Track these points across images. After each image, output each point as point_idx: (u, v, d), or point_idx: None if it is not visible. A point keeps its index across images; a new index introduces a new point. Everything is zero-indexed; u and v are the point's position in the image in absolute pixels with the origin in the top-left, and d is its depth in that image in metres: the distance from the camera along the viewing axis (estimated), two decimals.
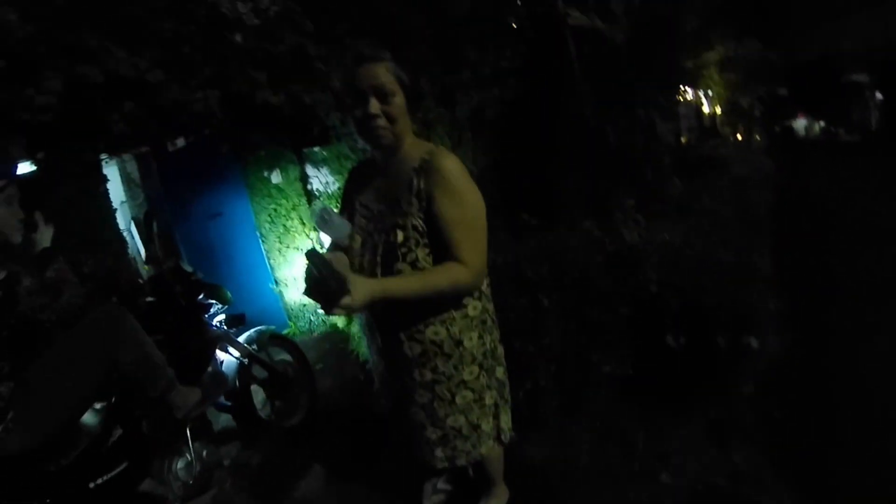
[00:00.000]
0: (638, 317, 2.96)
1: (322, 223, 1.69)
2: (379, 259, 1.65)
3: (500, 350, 1.93)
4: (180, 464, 2.45)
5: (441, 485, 2.44)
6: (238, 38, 3.07)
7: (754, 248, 3.06)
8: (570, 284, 3.05)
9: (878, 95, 12.78)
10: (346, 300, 1.42)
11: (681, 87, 3.66)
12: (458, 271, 1.59)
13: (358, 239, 1.72)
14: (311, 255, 1.43)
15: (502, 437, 1.98)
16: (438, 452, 1.89)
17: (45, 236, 2.00)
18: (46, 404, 1.83)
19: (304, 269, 1.45)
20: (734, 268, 2.97)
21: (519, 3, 3.39)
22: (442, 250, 1.61)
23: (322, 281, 1.41)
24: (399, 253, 1.62)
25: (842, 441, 2.34)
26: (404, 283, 1.59)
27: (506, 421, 1.98)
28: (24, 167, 2.63)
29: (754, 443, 2.34)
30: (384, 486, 2.61)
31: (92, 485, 1.89)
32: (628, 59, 3.36)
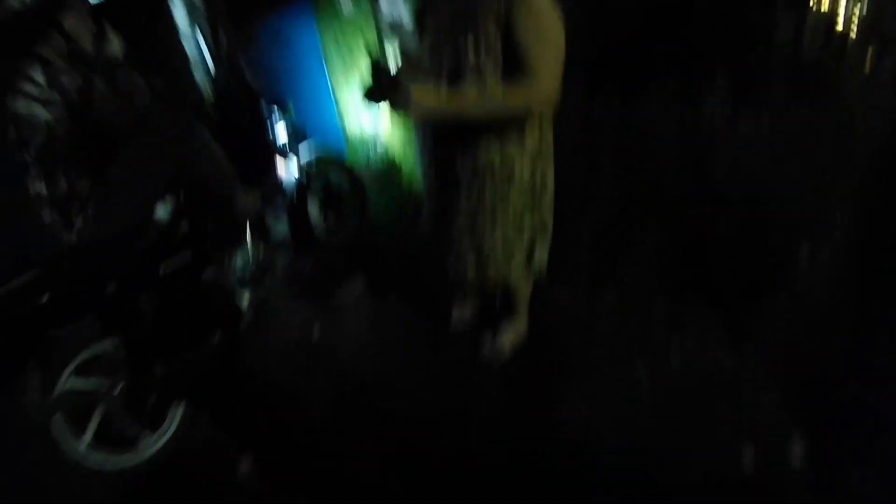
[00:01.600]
0: (692, 202, 2.89)
1: (395, 30, 1.72)
2: (445, 76, 1.65)
3: (551, 186, 1.93)
4: (239, 259, 2.69)
5: (468, 308, 2.61)
6: None
7: (833, 186, 2.79)
8: (636, 149, 2.99)
9: None
10: (406, 92, 1.49)
11: None
12: (530, 89, 1.57)
13: (427, 53, 1.70)
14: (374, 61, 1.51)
15: (534, 271, 2.07)
16: (471, 272, 1.99)
17: (115, 47, 2.11)
18: (121, 201, 2.04)
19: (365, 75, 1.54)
20: (805, 183, 2.80)
21: None
22: (514, 72, 1.58)
23: (384, 74, 1.49)
24: (469, 70, 1.61)
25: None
26: (471, 94, 1.59)
27: (541, 257, 2.05)
28: None
29: (769, 352, 2.29)
30: (417, 302, 2.85)
31: (161, 271, 2.16)
32: None
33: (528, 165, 1.80)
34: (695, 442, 1.98)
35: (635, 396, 2.19)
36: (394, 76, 1.54)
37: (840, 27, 2.97)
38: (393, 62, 3.61)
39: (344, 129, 4.17)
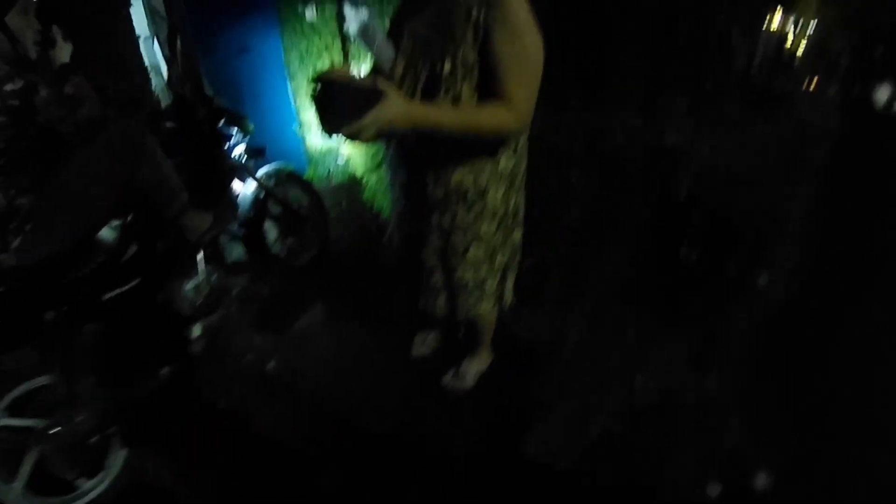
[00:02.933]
0: (658, 220, 2.91)
1: (365, 38, 1.57)
2: (419, 87, 1.58)
3: (522, 213, 1.90)
4: (190, 284, 2.56)
5: (431, 337, 2.56)
6: None
7: (794, 194, 2.91)
8: (600, 169, 3.00)
9: None
10: (377, 111, 1.34)
11: (771, 9, 3.33)
12: (503, 112, 1.50)
13: (400, 65, 1.62)
14: (329, 73, 1.35)
15: (503, 300, 2.02)
16: (440, 301, 1.94)
17: (63, 52, 1.94)
18: (65, 217, 1.88)
19: (315, 90, 1.36)
20: (767, 202, 2.86)
21: None
22: (489, 89, 1.51)
23: (348, 91, 1.32)
24: (444, 84, 1.53)
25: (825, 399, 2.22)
26: (444, 112, 1.51)
27: (510, 286, 2.02)
28: None
29: (734, 373, 2.37)
30: (379, 330, 2.75)
31: (105, 297, 2.00)
32: None
33: (501, 189, 1.75)
34: (662, 464, 2.01)
35: (604, 418, 2.20)
36: (359, 82, 1.39)
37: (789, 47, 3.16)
38: (356, 73, 3.52)
39: (304, 141, 4.05)
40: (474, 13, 1.46)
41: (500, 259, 1.89)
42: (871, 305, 2.32)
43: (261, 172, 3.05)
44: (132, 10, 3.08)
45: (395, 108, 1.38)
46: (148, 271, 2.20)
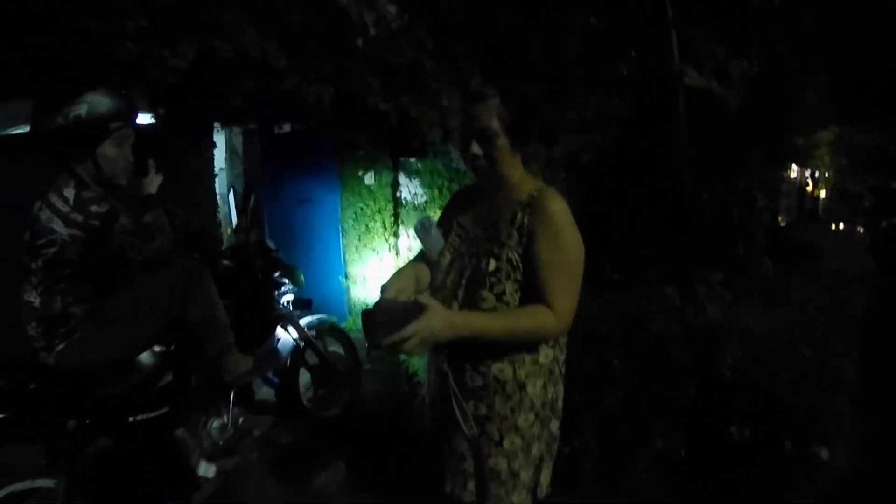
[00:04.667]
0: (705, 398, 2.82)
1: (421, 231, 1.69)
2: (464, 282, 1.64)
3: (561, 403, 1.86)
4: (216, 423, 2.53)
5: None
6: (360, 42, 3.24)
7: (839, 350, 2.86)
8: (642, 349, 2.96)
9: None
10: (417, 323, 1.38)
11: (788, 164, 3.56)
12: (546, 316, 1.53)
13: (448, 257, 1.71)
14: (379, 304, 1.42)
15: (539, 490, 1.89)
16: (470, 487, 1.81)
17: (153, 183, 2.17)
18: (112, 335, 1.96)
19: (366, 315, 1.40)
20: (814, 367, 2.78)
21: (633, 53, 3.37)
22: (531, 289, 1.57)
23: (392, 306, 1.41)
24: (488, 281, 1.59)
25: None
26: (488, 320, 1.55)
27: (546, 476, 1.90)
28: (144, 118, 2.87)
29: None
30: (400, 500, 2.60)
31: (131, 419, 1.99)
32: (737, 127, 3.26)
33: (540, 381, 1.73)
34: None
35: None
36: (402, 303, 1.48)
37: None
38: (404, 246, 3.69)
39: (348, 292, 4.17)
40: (519, 216, 1.58)
41: (536, 450, 1.81)
42: None
43: (304, 321, 3.14)
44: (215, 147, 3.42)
45: (437, 320, 1.42)
46: (177, 402, 2.20)
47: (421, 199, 4.10)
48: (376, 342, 1.40)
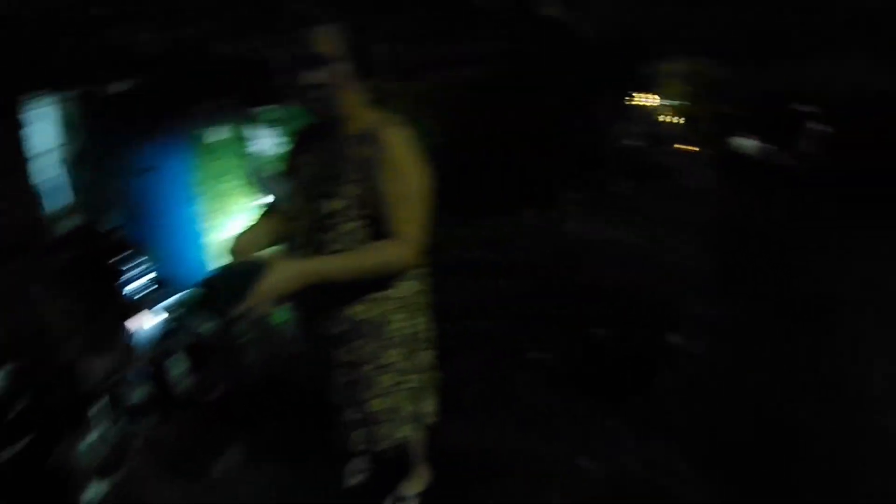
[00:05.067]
0: (571, 308, 3.15)
1: (259, 181, 1.60)
2: (311, 227, 1.60)
3: (430, 333, 1.90)
4: (92, 438, 2.30)
5: (362, 465, 2.42)
6: None
7: (690, 254, 3.23)
8: (508, 272, 3.17)
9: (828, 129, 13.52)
10: (261, 286, 1.37)
11: (643, 92, 3.86)
12: (394, 249, 1.53)
13: (296, 204, 1.65)
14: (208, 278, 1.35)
15: (424, 421, 1.98)
16: (358, 435, 1.88)
17: None
18: None
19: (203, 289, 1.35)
20: (669, 269, 3.12)
21: None
22: (380, 224, 1.55)
23: (228, 274, 1.34)
24: (333, 222, 1.56)
25: (758, 441, 2.53)
26: (335, 261, 1.53)
27: (430, 405, 1.99)
28: None
29: (671, 438, 2.51)
30: (305, 466, 2.54)
31: None
32: (593, 58, 3.35)
33: (402, 316, 1.76)
34: None
35: None
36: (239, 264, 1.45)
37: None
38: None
39: (213, 263, 3.88)
40: (357, 152, 1.53)
41: (412, 383, 1.86)
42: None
43: (166, 303, 2.86)
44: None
45: (278, 276, 1.41)
46: (39, 427, 2.00)
47: (281, 151, 3.80)
48: (221, 314, 1.36)
